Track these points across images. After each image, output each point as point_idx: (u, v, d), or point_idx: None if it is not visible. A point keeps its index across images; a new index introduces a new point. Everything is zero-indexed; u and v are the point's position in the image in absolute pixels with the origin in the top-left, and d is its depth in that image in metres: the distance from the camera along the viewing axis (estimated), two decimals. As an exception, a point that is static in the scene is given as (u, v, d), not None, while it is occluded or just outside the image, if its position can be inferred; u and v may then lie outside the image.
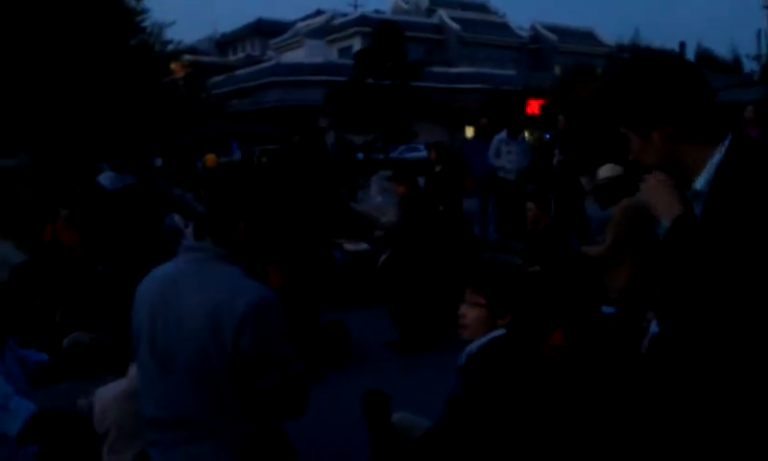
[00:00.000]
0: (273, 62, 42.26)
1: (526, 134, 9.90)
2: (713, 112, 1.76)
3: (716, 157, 1.72)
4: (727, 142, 1.73)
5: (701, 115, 1.73)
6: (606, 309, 4.77)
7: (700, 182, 1.74)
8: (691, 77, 1.74)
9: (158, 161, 12.93)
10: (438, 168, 9.44)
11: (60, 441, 3.02)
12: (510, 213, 9.67)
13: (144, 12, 16.81)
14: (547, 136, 9.70)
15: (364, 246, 9.24)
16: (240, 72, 43.57)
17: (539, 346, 3.27)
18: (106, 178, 5.75)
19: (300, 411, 2.13)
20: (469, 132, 37.59)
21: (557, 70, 40.89)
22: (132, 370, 2.89)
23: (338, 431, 3.39)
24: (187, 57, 23.19)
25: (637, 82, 1.78)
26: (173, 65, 19.36)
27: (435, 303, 7.15)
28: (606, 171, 5.17)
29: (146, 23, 17.31)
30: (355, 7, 51.02)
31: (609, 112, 1.86)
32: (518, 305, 2.66)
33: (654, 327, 3.34)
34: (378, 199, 13.60)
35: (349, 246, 9.46)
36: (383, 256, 8.83)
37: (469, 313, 2.69)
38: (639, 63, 1.83)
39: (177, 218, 9.30)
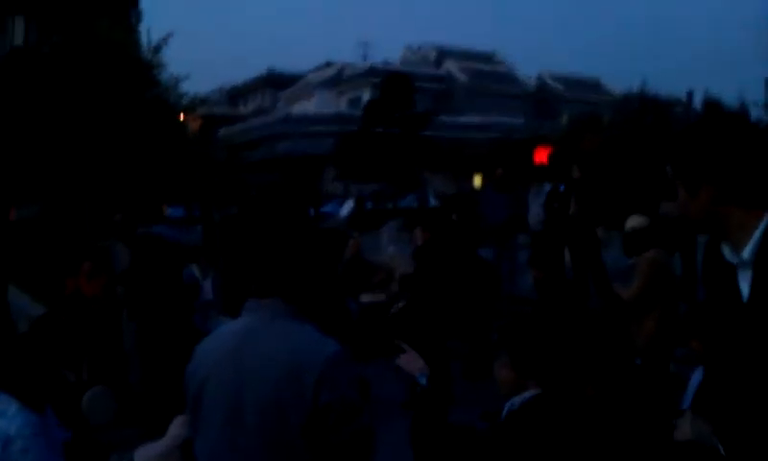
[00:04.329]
0: (283, 113, 42.84)
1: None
2: (762, 180, 1.75)
3: (762, 225, 1.72)
4: None
5: (748, 183, 1.73)
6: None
7: (747, 252, 1.73)
8: (745, 143, 1.75)
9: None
10: (455, 216, 9.50)
11: None
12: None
13: (161, 65, 17.14)
14: (562, 188, 9.73)
15: (382, 297, 9.22)
16: (251, 123, 44.11)
17: (579, 402, 3.25)
18: (166, 231, 5.97)
19: None
20: (477, 180, 37.79)
21: (564, 119, 41.14)
22: (174, 428, 2.87)
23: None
24: (200, 109, 23.51)
25: (693, 139, 1.81)
26: (187, 118, 19.64)
27: (448, 357, 7.07)
28: (634, 221, 5.28)
29: (161, 76, 17.64)
30: (365, 58, 51.87)
31: (665, 161, 1.87)
32: (543, 371, 2.55)
33: (695, 381, 3.32)
34: (390, 249, 13.59)
35: (366, 297, 9.45)
36: (396, 306, 8.83)
37: (499, 372, 2.64)
38: (703, 121, 1.85)
39: (194, 269, 9.36)
